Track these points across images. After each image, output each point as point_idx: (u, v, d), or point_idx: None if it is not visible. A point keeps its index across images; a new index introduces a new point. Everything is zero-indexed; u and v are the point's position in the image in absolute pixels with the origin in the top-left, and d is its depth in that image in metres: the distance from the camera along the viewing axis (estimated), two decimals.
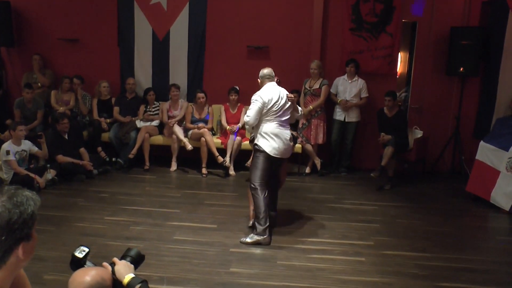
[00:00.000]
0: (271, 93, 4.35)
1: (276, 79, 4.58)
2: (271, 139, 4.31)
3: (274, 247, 4.13)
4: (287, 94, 4.42)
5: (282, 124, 4.39)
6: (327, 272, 3.71)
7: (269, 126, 4.32)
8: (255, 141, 4.41)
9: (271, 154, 4.30)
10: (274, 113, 4.32)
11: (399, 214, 5.13)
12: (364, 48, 6.68)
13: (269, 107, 4.29)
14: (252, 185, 4.32)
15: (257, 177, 4.30)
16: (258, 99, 4.33)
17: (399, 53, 6.91)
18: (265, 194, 4.27)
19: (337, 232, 4.53)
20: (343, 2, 6.63)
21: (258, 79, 4.56)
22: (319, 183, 6.28)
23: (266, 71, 4.52)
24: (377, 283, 3.56)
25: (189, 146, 6.32)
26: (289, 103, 4.41)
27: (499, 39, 6.18)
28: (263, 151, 4.30)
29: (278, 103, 4.33)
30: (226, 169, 6.40)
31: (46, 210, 4.75)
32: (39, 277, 3.35)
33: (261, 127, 4.37)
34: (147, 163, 6.52)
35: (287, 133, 4.41)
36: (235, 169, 6.48)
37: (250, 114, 4.33)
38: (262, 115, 4.33)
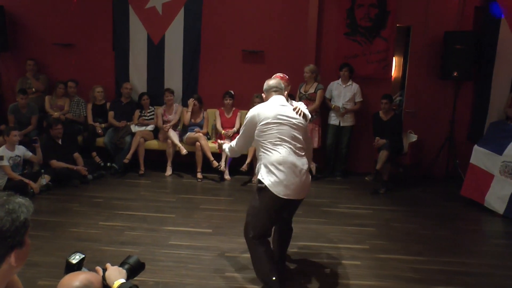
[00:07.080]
0: (272, 109, 3.16)
1: (286, 93, 3.47)
2: (279, 172, 3.00)
3: None
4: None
5: (295, 150, 3.09)
6: (323, 276, 3.71)
7: (276, 153, 3.04)
8: (258, 177, 3.15)
9: (280, 195, 3.00)
10: (279, 135, 3.08)
11: (394, 218, 5.14)
12: (359, 53, 6.71)
13: (264, 124, 3.10)
14: (248, 236, 3.17)
15: (256, 227, 3.11)
16: (249, 116, 3.21)
17: (394, 58, 6.95)
18: (266, 246, 3.17)
19: (333, 236, 4.54)
20: (338, 6, 6.66)
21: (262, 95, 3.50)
22: (314, 187, 6.24)
23: (272, 82, 3.37)
24: (373, 287, 3.57)
25: (184, 151, 6.32)
26: (303, 122, 3.21)
27: (492, 44, 6.24)
28: (267, 190, 3.01)
29: (283, 122, 3.10)
30: (221, 173, 6.40)
31: (40, 216, 4.74)
32: (33, 283, 3.32)
33: (263, 156, 3.12)
34: (142, 168, 6.51)
35: (302, 162, 3.10)
36: (230, 174, 6.47)
37: (237, 139, 3.41)
38: (259, 137, 3.14)
